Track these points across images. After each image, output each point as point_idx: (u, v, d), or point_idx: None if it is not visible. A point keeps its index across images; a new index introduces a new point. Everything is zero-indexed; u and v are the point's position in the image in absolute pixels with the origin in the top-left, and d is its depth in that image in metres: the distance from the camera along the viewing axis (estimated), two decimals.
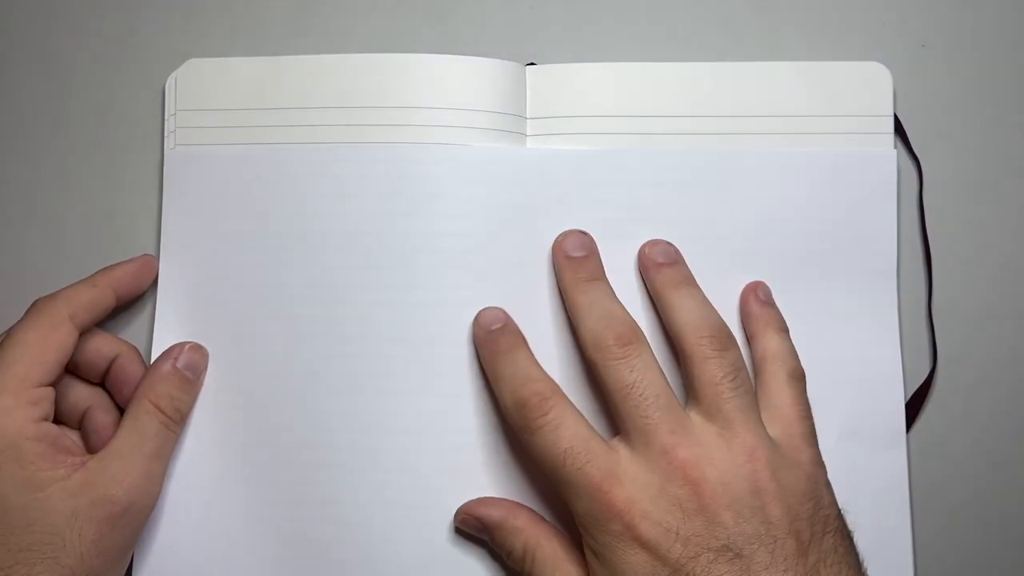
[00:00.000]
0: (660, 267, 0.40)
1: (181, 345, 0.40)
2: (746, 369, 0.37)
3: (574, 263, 0.40)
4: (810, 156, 0.42)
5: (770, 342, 0.39)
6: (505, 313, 0.40)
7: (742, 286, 0.41)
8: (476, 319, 0.40)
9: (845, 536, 0.35)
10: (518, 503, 0.39)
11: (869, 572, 0.38)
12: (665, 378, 0.36)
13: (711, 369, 0.36)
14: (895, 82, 0.42)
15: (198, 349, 0.40)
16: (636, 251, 0.41)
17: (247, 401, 0.41)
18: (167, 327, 0.41)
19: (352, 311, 0.41)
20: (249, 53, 0.44)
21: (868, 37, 0.44)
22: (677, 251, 0.41)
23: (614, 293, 0.39)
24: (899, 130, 0.42)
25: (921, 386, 0.41)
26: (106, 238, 0.43)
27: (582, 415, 0.36)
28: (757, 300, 0.40)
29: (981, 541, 0.41)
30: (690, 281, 0.40)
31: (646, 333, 0.39)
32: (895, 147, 0.42)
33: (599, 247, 0.41)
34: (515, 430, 0.37)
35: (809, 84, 0.42)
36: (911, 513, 0.40)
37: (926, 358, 0.42)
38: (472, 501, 0.39)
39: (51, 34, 0.44)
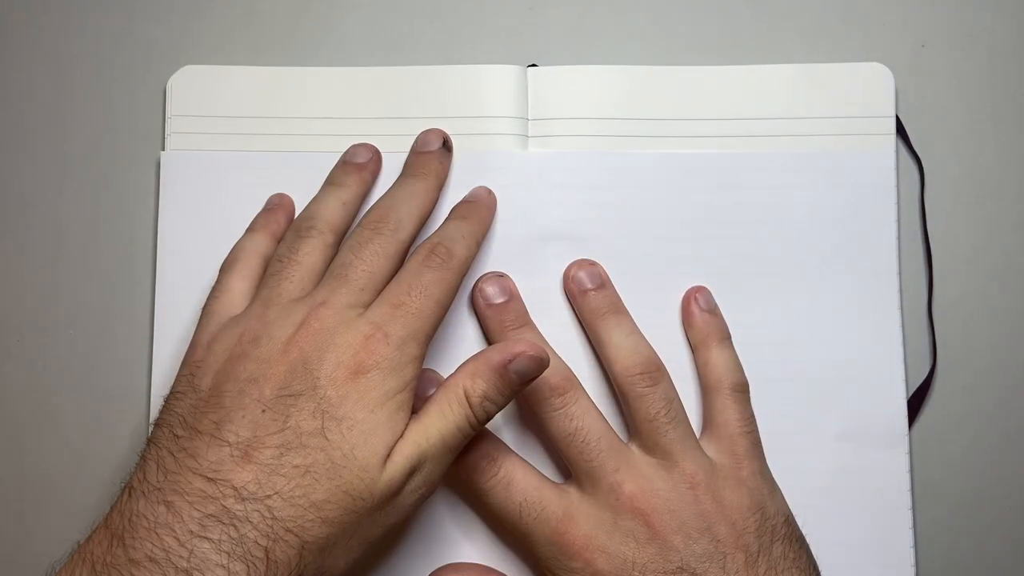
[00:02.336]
0: (586, 293, 0.40)
1: (520, 344, 0.35)
2: (678, 398, 0.38)
3: (496, 310, 0.40)
4: (811, 157, 0.42)
5: (713, 355, 0.40)
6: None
7: (745, 287, 0.41)
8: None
9: (794, 542, 0.36)
10: (488, 569, 0.39)
11: (869, 572, 0.39)
12: (603, 418, 0.38)
13: (645, 406, 0.38)
14: (895, 82, 0.42)
15: (538, 360, 0.35)
16: (640, 253, 0.41)
17: None
18: (166, 327, 0.41)
19: None
20: (250, 56, 0.44)
21: (868, 37, 0.44)
22: (604, 273, 0.41)
23: (543, 339, 0.40)
24: (900, 130, 0.42)
25: (921, 386, 0.41)
26: (105, 238, 0.43)
27: (530, 465, 0.38)
28: (699, 308, 0.40)
29: (981, 541, 0.41)
30: (617, 308, 0.40)
31: (646, 331, 0.40)
32: (896, 147, 0.42)
33: (599, 247, 0.41)
34: (469, 491, 0.39)
35: (810, 86, 0.42)
36: (911, 513, 0.40)
37: (926, 358, 0.42)
38: (445, 567, 0.38)
39: (51, 35, 0.44)
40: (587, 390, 0.39)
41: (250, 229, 0.40)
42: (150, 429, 0.34)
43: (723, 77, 0.42)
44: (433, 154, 0.40)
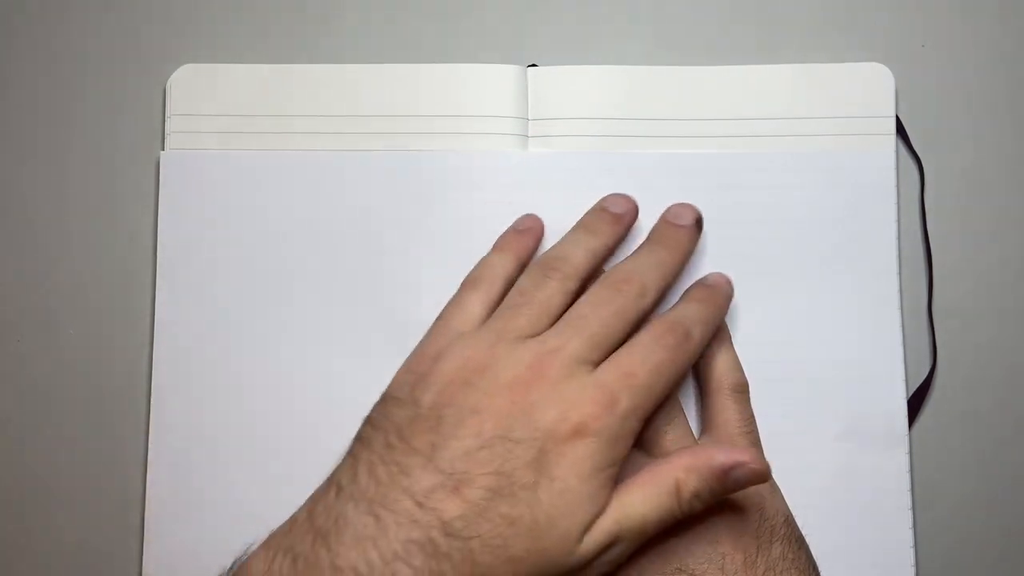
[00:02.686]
0: None
1: (746, 453, 0.34)
2: (676, 398, 0.38)
3: None
4: (811, 157, 0.42)
5: (712, 355, 0.39)
6: None
7: (745, 287, 0.41)
8: None
9: (793, 542, 0.36)
10: None
11: (869, 572, 0.39)
12: None
13: None
14: (895, 82, 0.42)
15: (761, 475, 0.34)
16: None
17: (246, 403, 0.41)
18: (166, 328, 0.41)
19: (353, 314, 0.41)
20: (250, 54, 0.44)
21: (868, 37, 0.44)
22: None
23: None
24: (900, 130, 0.42)
25: (921, 386, 0.41)
26: (105, 238, 0.43)
27: None
28: None
29: (981, 541, 0.41)
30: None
31: None
32: (896, 147, 0.42)
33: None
34: None
35: (810, 86, 0.42)
36: (911, 513, 0.40)
37: (926, 358, 0.42)
38: None
39: (51, 35, 0.44)
40: None
41: (499, 248, 0.40)
42: (362, 426, 0.34)
43: (723, 77, 0.42)
44: (685, 229, 0.40)
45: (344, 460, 0.33)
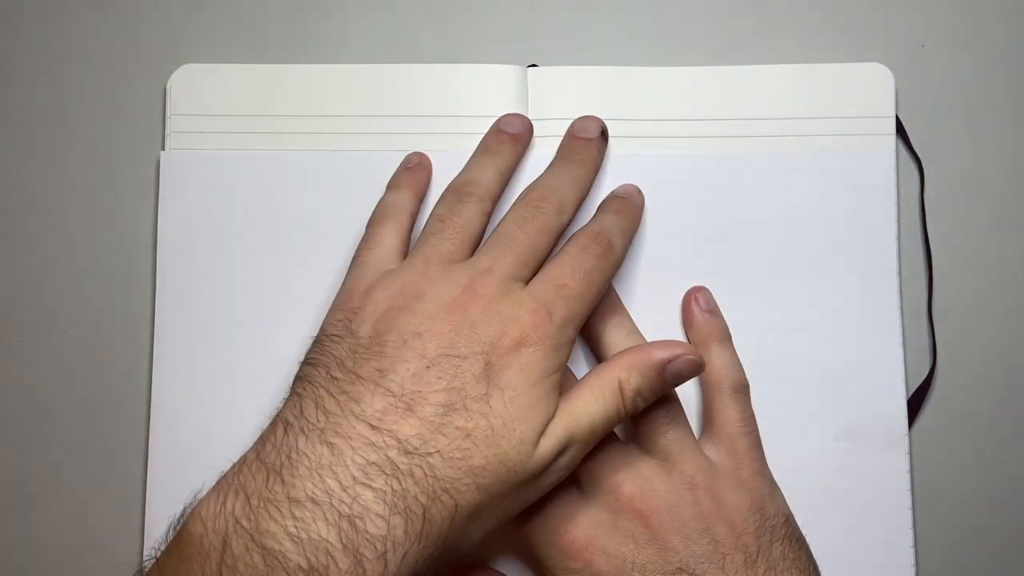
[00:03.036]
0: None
1: (681, 346, 0.36)
2: (677, 399, 0.38)
3: None
4: (811, 157, 0.42)
5: (713, 355, 0.40)
6: None
7: (745, 287, 0.41)
8: None
9: (794, 542, 0.36)
10: (488, 568, 0.39)
11: (869, 572, 0.39)
12: None
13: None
14: (895, 82, 0.42)
15: (696, 364, 0.35)
16: (640, 253, 0.41)
17: (246, 403, 0.41)
18: (166, 327, 0.41)
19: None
20: (250, 54, 0.44)
21: (868, 37, 0.44)
22: None
23: None
24: (900, 130, 0.42)
25: (921, 386, 0.41)
26: (105, 238, 0.43)
27: None
28: (699, 308, 0.40)
29: (981, 541, 0.41)
30: (617, 308, 0.40)
31: (646, 331, 0.40)
32: (896, 147, 0.42)
33: None
34: None
35: (810, 86, 0.42)
36: (911, 513, 0.40)
37: (926, 358, 0.42)
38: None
39: (52, 35, 0.44)
40: None
41: (394, 186, 0.41)
42: (298, 367, 0.34)
43: (723, 77, 0.42)
44: (593, 141, 0.41)
45: (288, 399, 0.33)
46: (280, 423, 0.32)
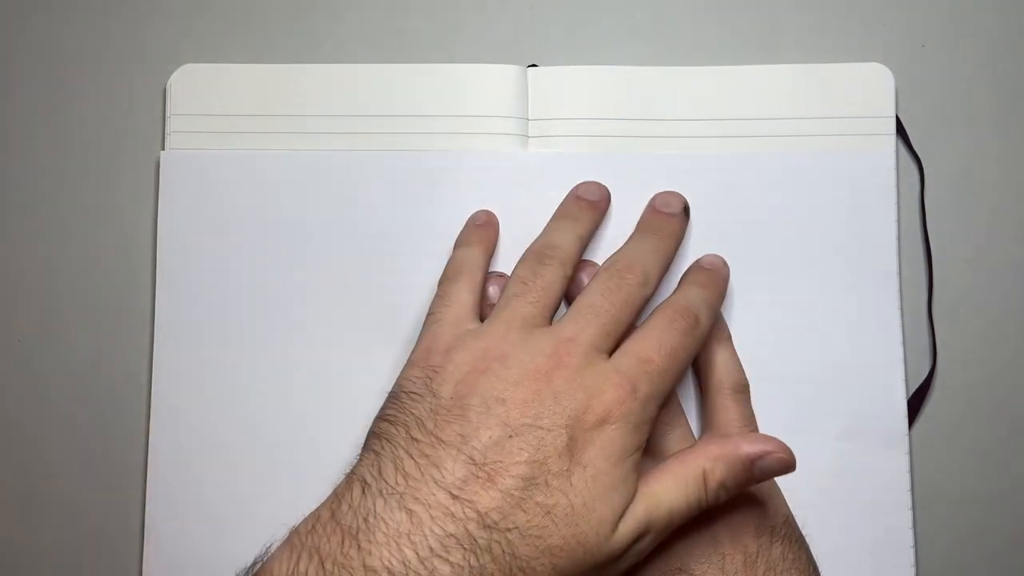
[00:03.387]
0: None
1: (772, 443, 0.34)
2: (676, 400, 0.38)
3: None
4: (811, 157, 0.42)
5: (713, 355, 0.39)
6: None
7: (745, 287, 0.41)
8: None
9: (794, 542, 0.36)
10: None
11: (869, 572, 0.39)
12: None
13: None
14: (895, 82, 0.42)
15: (787, 464, 0.34)
16: None
17: (246, 402, 0.41)
18: (166, 327, 0.41)
19: (353, 315, 0.41)
20: (250, 54, 0.44)
21: (868, 37, 0.44)
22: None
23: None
24: (900, 130, 0.43)
25: (921, 386, 0.41)
26: (105, 238, 0.43)
27: None
28: None
29: (981, 541, 0.41)
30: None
31: None
32: (896, 147, 0.42)
33: (600, 249, 0.41)
34: None
35: (810, 86, 0.42)
36: (911, 513, 0.40)
37: (926, 358, 0.42)
38: None
39: (51, 35, 0.44)
40: None
41: (464, 243, 0.40)
42: (374, 424, 0.33)
43: (723, 77, 0.42)
44: (675, 217, 0.40)
45: (364, 457, 0.32)
46: (357, 481, 0.31)
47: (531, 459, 0.31)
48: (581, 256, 0.39)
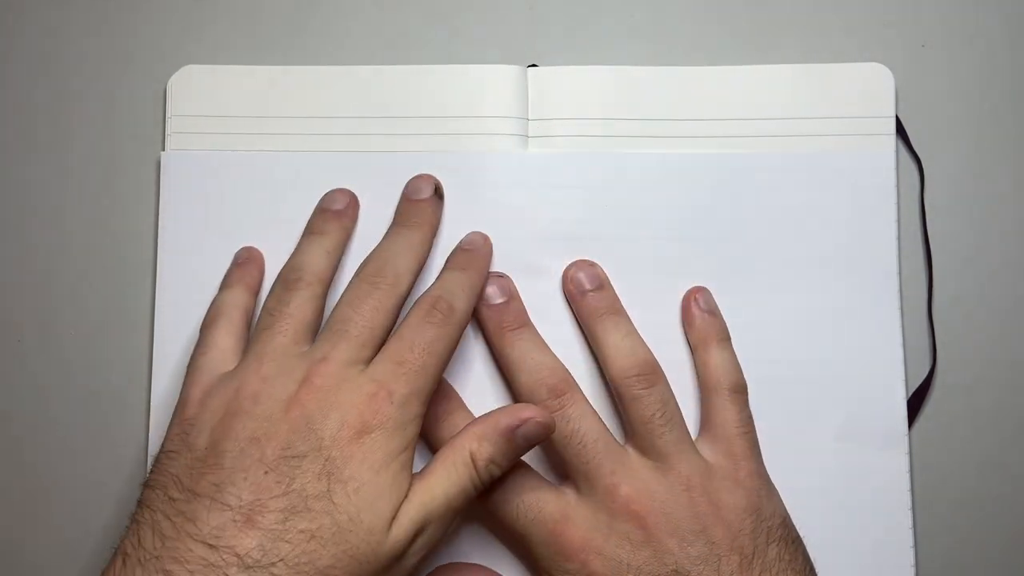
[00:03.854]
0: (585, 294, 0.40)
1: (528, 410, 0.35)
2: (674, 400, 0.38)
3: (496, 311, 0.40)
4: (811, 157, 0.42)
5: (712, 356, 0.40)
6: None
7: (744, 287, 0.41)
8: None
9: (790, 544, 0.36)
10: (485, 569, 0.39)
11: (869, 572, 0.39)
12: (600, 420, 0.38)
13: (641, 408, 0.38)
14: (895, 82, 0.42)
15: (545, 427, 0.35)
16: (640, 253, 0.41)
17: None
18: (166, 327, 0.41)
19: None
20: (250, 55, 0.44)
21: (868, 37, 0.44)
22: (603, 274, 0.41)
23: (542, 340, 0.40)
24: (900, 130, 0.43)
25: (921, 385, 0.41)
26: (105, 238, 0.43)
27: (527, 466, 0.38)
28: (699, 309, 0.40)
29: (981, 541, 0.41)
30: (616, 309, 0.40)
31: (645, 331, 0.40)
32: (896, 147, 0.42)
33: (599, 248, 0.41)
34: None
35: (810, 86, 0.42)
36: (911, 513, 0.40)
37: (926, 358, 0.42)
38: (444, 567, 0.38)
39: (52, 35, 0.44)
40: (585, 391, 0.39)
41: (226, 285, 0.40)
42: (141, 491, 0.33)
43: (723, 77, 0.42)
44: (426, 202, 0.40)
45: (128, 528, 0.32)
46: (119, 556, 0.31)
47: (287, 490, 0.31)
48: (333, 270, 0.39)
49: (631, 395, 0.38)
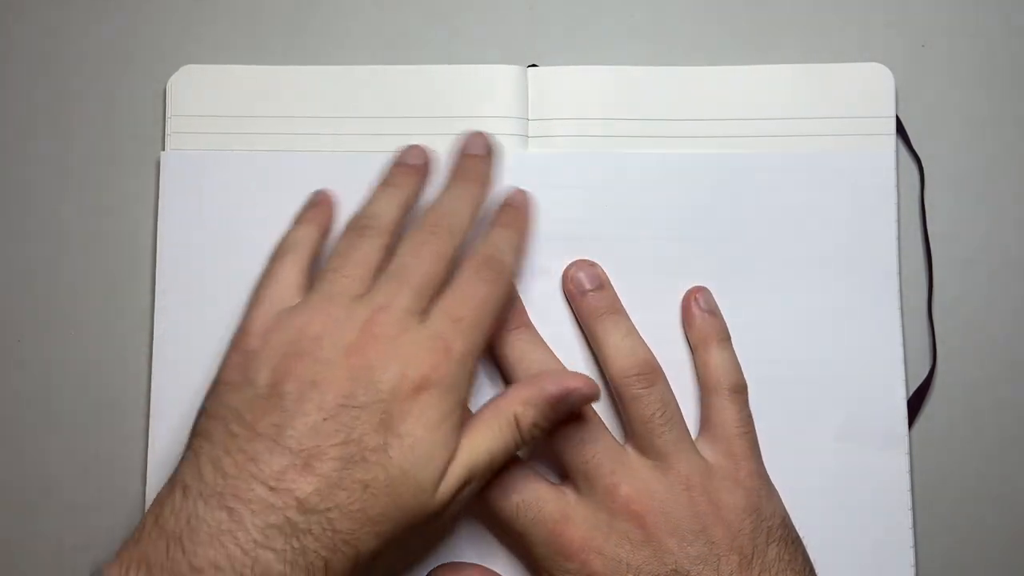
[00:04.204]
0: (585, 294, 0.40)
1: (574, 379, 0.36)
2: (674, 400, 0.38)
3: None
4: (811, 157, 0.42)
5: (712, 356, 0.40)
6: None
7: (744, 287, 0.41)
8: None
9: (790, 544, 0.36)
10: (485, 569, 0.39)
11: (869, 572, 0.39)
12: (599, 420, 0.38)
13: (641, 408, 0.38)
14: (895, 82, 0.42)
15: (588, 397, 0.36)
16: (639, 253, 0.41)
17: None
18: (166, 328, 0.41)
19: None
20: (250, 55, 0.44)
21: (868, 37, 0.44)
22: (603, 274, 0.41)
23: (541, 340, 0.40)
24: (900, 130, 0.43)
25: (921, 386, 0.41)
26: (105, 238, 0.43)
27: (528, 465, 0.38)
28: (699, 309, 0.40)
29: (981, 541, 0.41)
30: (615, 309, 0.40)
31: (645, 331, 0.40)
32: (896, 147, 0.42)
33: (599, 248, 0.41)
34: None
35: (810, 86, 0.42)
36: (911, 513, 0.40)
37: (926, 358, 0.42)
38: (443, 567, 0.38)
39: (52, 35, 0.44)
40: None
41: (299, 221, 0.40)
42: (197, 419, 0.34)
43: (723, 77, 0.43)
44: (482, 158, 0.40)
45: (185, 456, 0.33)
46: (179, 486, 0.31)
47: (347, 439, 0.32)
48: (403, 222, 0.39)
49: (631, 395, 0.38)
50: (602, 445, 0.37)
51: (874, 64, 0.43)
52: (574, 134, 0.42)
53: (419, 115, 0.42)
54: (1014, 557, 0.41)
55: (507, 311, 0.37)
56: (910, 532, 0.40)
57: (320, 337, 0.34)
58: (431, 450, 0.33)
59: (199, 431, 0.33)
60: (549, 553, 0.36)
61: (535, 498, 0.37)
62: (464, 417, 0.34)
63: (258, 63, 0.43)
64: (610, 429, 0.38)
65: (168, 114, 0.43)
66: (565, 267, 0.41)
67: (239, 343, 0.35)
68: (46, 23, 0.44)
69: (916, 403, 0.41)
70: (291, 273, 0.37)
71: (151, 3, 0.44)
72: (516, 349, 0.39)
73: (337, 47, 0.44)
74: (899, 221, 0.42)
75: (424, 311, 0.35)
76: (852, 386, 0.41)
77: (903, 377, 0.41)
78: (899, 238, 0.42)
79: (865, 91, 0.42)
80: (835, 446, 0.40)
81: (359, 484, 0.31)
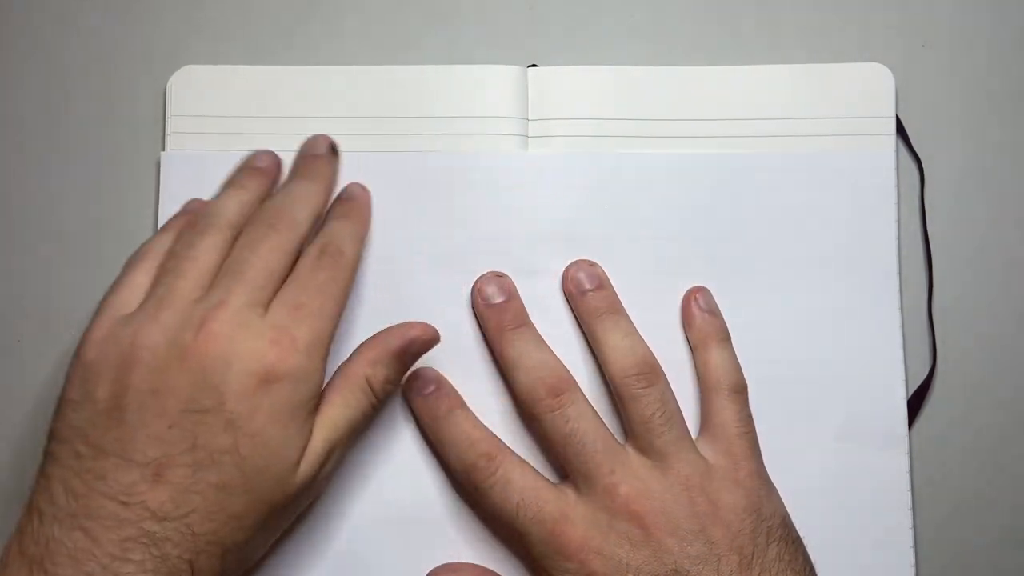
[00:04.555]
0: (585, 293, 0.40)
1: (414, 328, 0.36)
2: (674, 400, 0.38)
3: (495, 311, 0.40)
4: (811, 157, 0.42)
5: (712, 356, 0.40)
6: (437, 373, 0.40)
7: (744, 287, 0.41)
8: (407, 383, 0.39)
9: (790, 544, 0.36)
10: (484, 569, 0.39)
11: (869, 572, 0.39)
12: (599, 420, 0.38)
13: (640, 407, 0.38)
14: (895, 82, 0.42)
15: (430, 341, 0.37)
16: (639, 253, 0.41)
17: None
18: None
19: (351, 315, 0.41)
20: (250, 56, 0.44)
21: (868, 37, 0.44)
22: (603, 274, 0.41)
23: (542, 340, 0.40)
24: (900, 130, 0.43)
25: (921, 386, 0.41)
26: (105, 238, 0.43)
27: (528, 464, 0.38)
28: (699, 309, 0.40)
29: (981, 541, 0.41)
30: (615, 309, 0.40)
31: (645, 331, 0.40)
32: (896, 147, 0.42)
33: (599, 248, 0.41)
34: (467, 491, 0.39)
35: (810, 86, 0.42)
36: (911, 513, 0.40)
37: (926, 358, 0.42)
38: (441, 567, 0.38)
39: (51, 35, 0.44)
40: (584, 391, 0.39)
41: (162, 229, 0.39)
42: (48, 441, 0.33)
43: (723, 77, 0.43)
44: (323, 157, 0.40)
45: (38, 481, 0.32)
46: (35, 512, 0.31)
47: (194, 445, 0.31)
48: (244, 221, 0.37)
49: (630, 394, 0.38)
50: (602, 445, 0.37)
51: (874, 64, 0.43)
52: (574, 134, 0.42)
53: (419, 115, 0.42)
54: (1014, 557, 0.41)
55: (348, 299, 0.36)
56: (910, 532, 0.40)
57: (155, 345, 0.32)
58: (284, 442, 0.33)
59: (48, 454, 0.32)
60: (548, 553, 0.36)
61: (535, 498, 0.36)
62: (317, 403, 0.34)
63: (258, 63, 0.43)
64: (610, 429, 0.38)
65: (168, 114, 0.43)
66: (565, 267, 0.41)
67: (79, 353, 0.34)
68: (46, 23, 0.44)
69: (916, 403, 0.41)
70: (140, 277, 0.36)
71: (151, 3, 0.44)
72: (516, 348, 0.39)
73: (337, 47, 0.44)
74: (899, 221, 0.42)
75: (265, 305, 0.34)
76: (852, 386, 0.41)
77: (903, 377, 0.41)
78: (899, 238, 0.42)
79: (865, 91, 0.42)
80: (835, 446, 0.40)
81: (213, 487, 0.31)
